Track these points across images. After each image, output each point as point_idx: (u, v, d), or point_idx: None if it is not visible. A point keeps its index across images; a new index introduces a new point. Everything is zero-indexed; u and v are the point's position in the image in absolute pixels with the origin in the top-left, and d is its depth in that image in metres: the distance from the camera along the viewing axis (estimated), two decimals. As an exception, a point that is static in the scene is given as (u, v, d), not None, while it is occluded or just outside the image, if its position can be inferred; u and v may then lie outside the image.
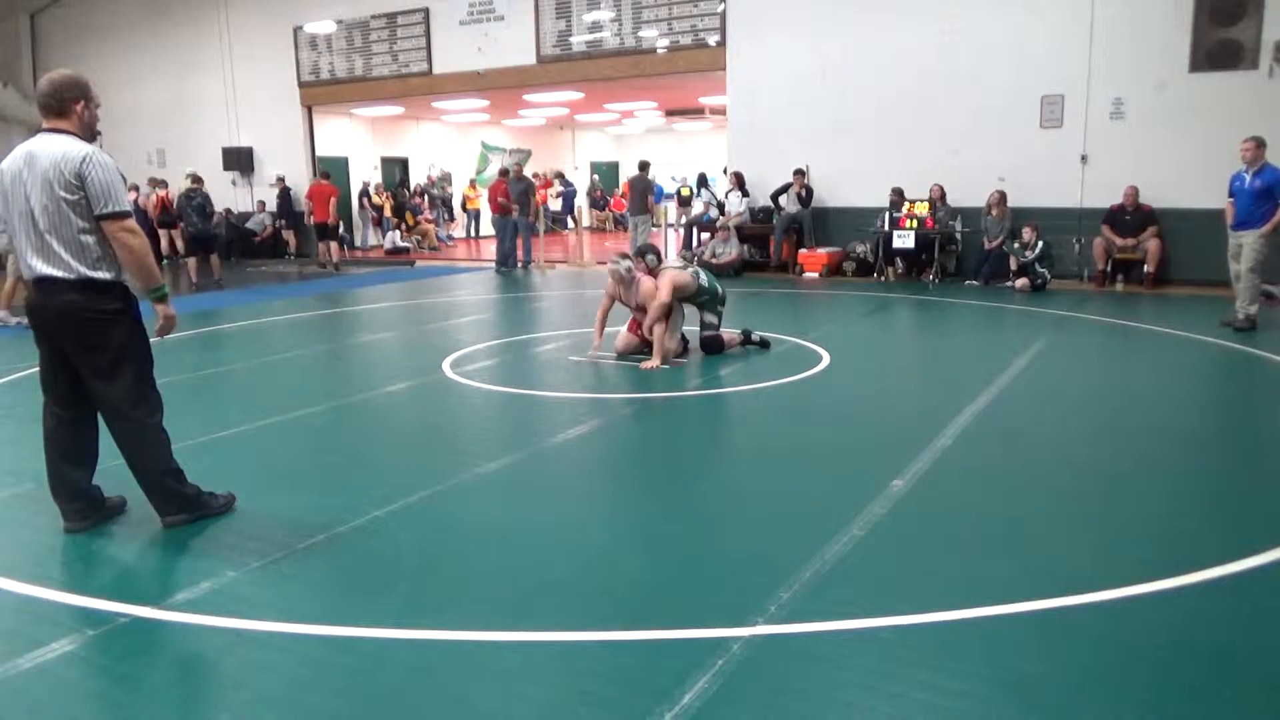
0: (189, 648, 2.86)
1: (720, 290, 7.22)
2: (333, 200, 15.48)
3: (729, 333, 7.32)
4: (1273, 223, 7.85)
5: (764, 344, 7.39)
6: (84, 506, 3.78)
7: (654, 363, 6.72)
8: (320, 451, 5.02)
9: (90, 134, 3.58)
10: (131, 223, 3.50)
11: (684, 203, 20.00)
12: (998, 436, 5.00)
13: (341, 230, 18.27)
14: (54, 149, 3.42)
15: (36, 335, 3.66)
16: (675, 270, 7.03)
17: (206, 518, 3.83)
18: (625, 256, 7.14)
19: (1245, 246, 8.03)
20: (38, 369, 3.78)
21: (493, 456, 4.79)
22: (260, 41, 17.68)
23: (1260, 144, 7.94)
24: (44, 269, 3.45)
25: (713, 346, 7.14)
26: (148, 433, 3.69)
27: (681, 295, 6.95)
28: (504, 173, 15.63)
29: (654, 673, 2.59)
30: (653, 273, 7.01)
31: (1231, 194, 8.15)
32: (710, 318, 7.13)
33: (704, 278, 7.17)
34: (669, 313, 6.82)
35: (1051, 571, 3.25)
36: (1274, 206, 7.87)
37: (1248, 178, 7.99)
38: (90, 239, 3.45)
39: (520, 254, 15.18)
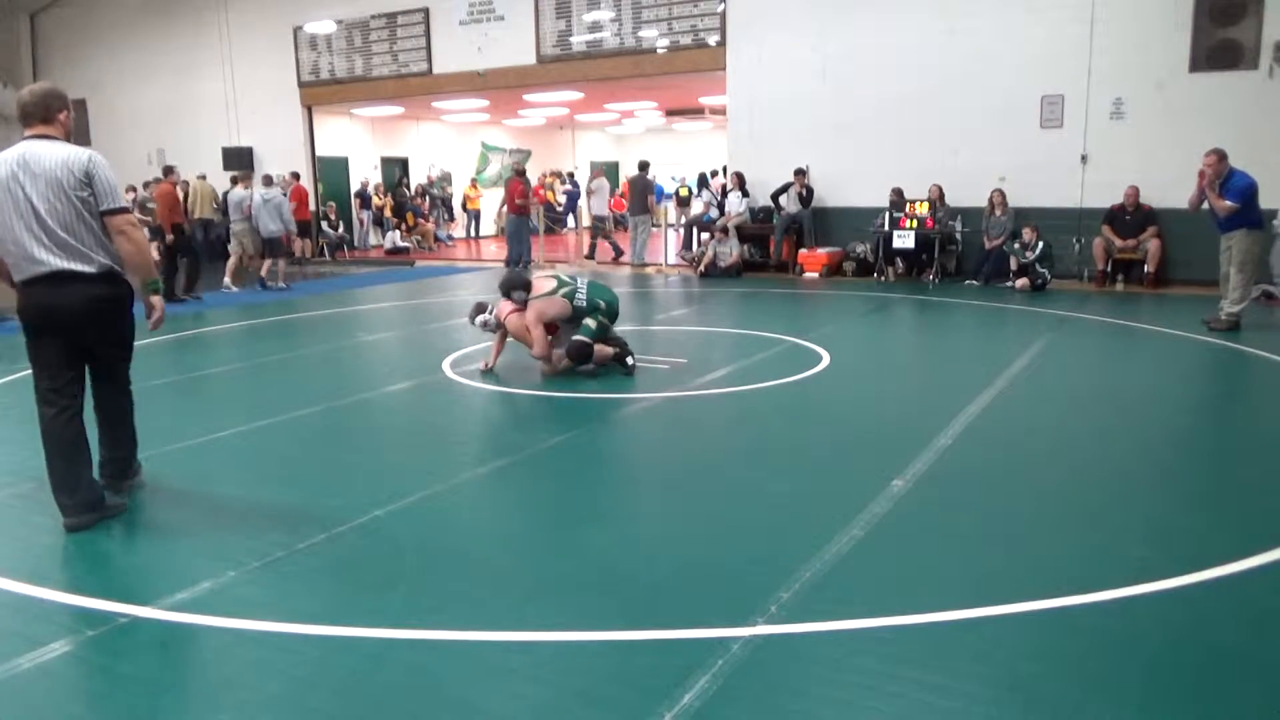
0: (189, 648, 2.86)
1: (602, 303, 6.55)
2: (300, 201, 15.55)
3: (604, 347, 6.60)
4: (1226, 206, 7.89)
5: (628, 367, 6.59)
6: (86, 501, 3.79)
7: (547, 368, 6.52)
8: (320, 451, 5.02)
9: (70, 139, 3.77)
10: (133, 217, 3.79)
11: (683, 203, 20.02)
12: (998, 436, 5.00)
13: (338, 228, 18.35)
14: (56, 152, 3.60)
15: (41, 331, 3.69)
16: (544, 303, 6.47)
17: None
18: (480, 310, 6.74)
19: (1234, 246, 8.05)
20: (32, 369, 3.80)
21: (493, 456, 4.80)
22: (260, 41, 17.67)
23: (1221, 157, 7.97)
24: (62, 264, 3.59)
25: (576, 353, 6.44)
26: (132, 402, 4.05)
27: (558, 321, 6.54)
28: (519, 172, 15.61)
29: (654, 673, 2.59)
30: (525, 307, 6.52)
31: (1201, 193, 8.15)
32: (590, 323, 6.45)
33: (581, 296, 6.50)
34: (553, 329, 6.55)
35: (1051, 571, 3.25)
36: (1252, 210, 7.92)
37: (1211, 192, 8.00)
38: (101, 235, 3.66)
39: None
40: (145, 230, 10.27)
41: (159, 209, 11.80)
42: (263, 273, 12.62)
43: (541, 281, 6.71)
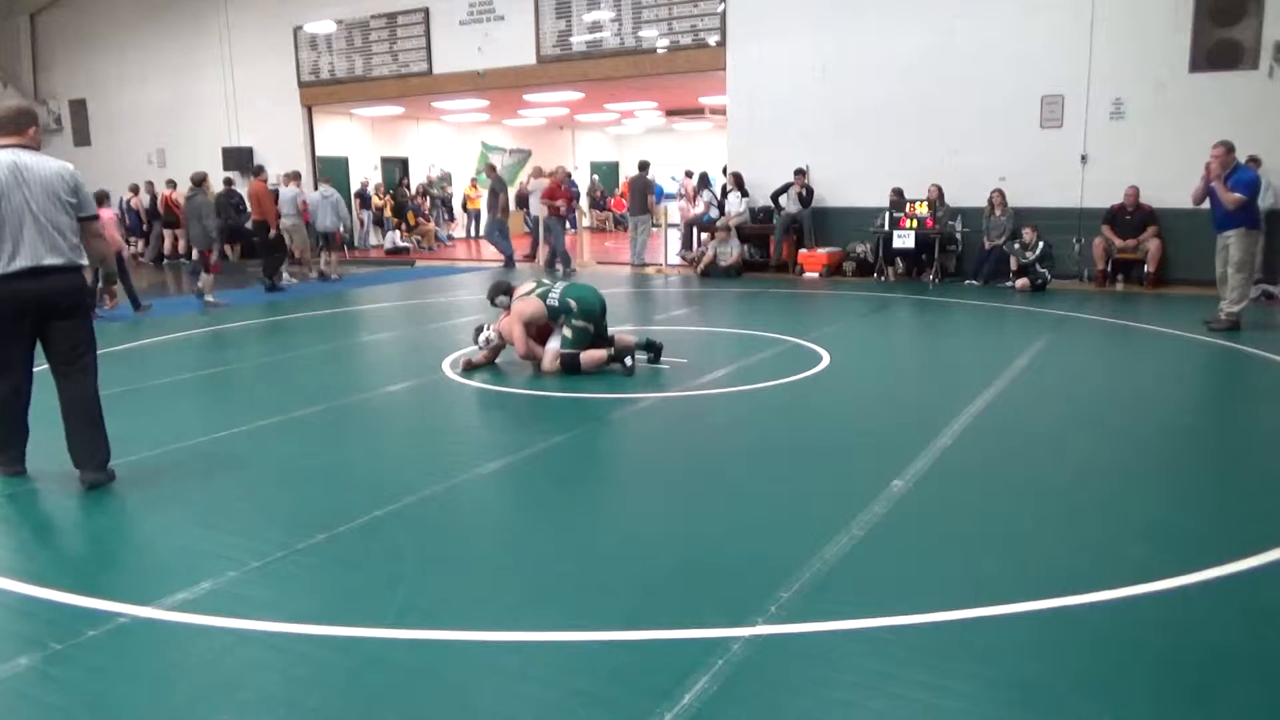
0: (189, 648, 2.85)
1: (573, 302, 6.51)
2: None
3: (594, 352, 6.57)
4: (1233, 198, 7.85)
5: (622, 360, 6.53)
6: (20, 455, 4.39)
7: (548, 364, 6.58)
8: (320, 451, 5.02)
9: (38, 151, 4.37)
10: (100, 224, 4.50)
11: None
12: (998, 437, 5.00)
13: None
14: (47, 164, 4.18)
15: (18, 316, 4.11)
16: (521, 303, 6.64)
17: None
18: (479, 330, 6.90)
19: (1231, 246, 8.05)
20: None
21: (492, 456, 4.79)
22: (260, 41, 17.68)
23: (1229, 149, 7.95)
24: (50, 260, 4.11)
25: (565, 366, 6.49)
26: (97, 384, 4.38)
27: (535, 323, 6.62)
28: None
29: (654, 673, 2.59)
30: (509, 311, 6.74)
31: (1209, 189, 8.12)
32: (566, 333, 6.49)
33: (554, 296, 6.55)
34: (542, 334, 6.66)
35: (1051, 571, 3.25)
36: (1250, 209, 7.91)
37: (1218, 184, 7.99)
38: (73, 235, 4.22)
39: (545, 253, 14.86)
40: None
41: (252, 206, 12.93)
42: (323, 266, 14.15)
43: (523, 285, 6.90)
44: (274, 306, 11.07)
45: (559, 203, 14.55)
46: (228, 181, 17.20)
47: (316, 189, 15.14)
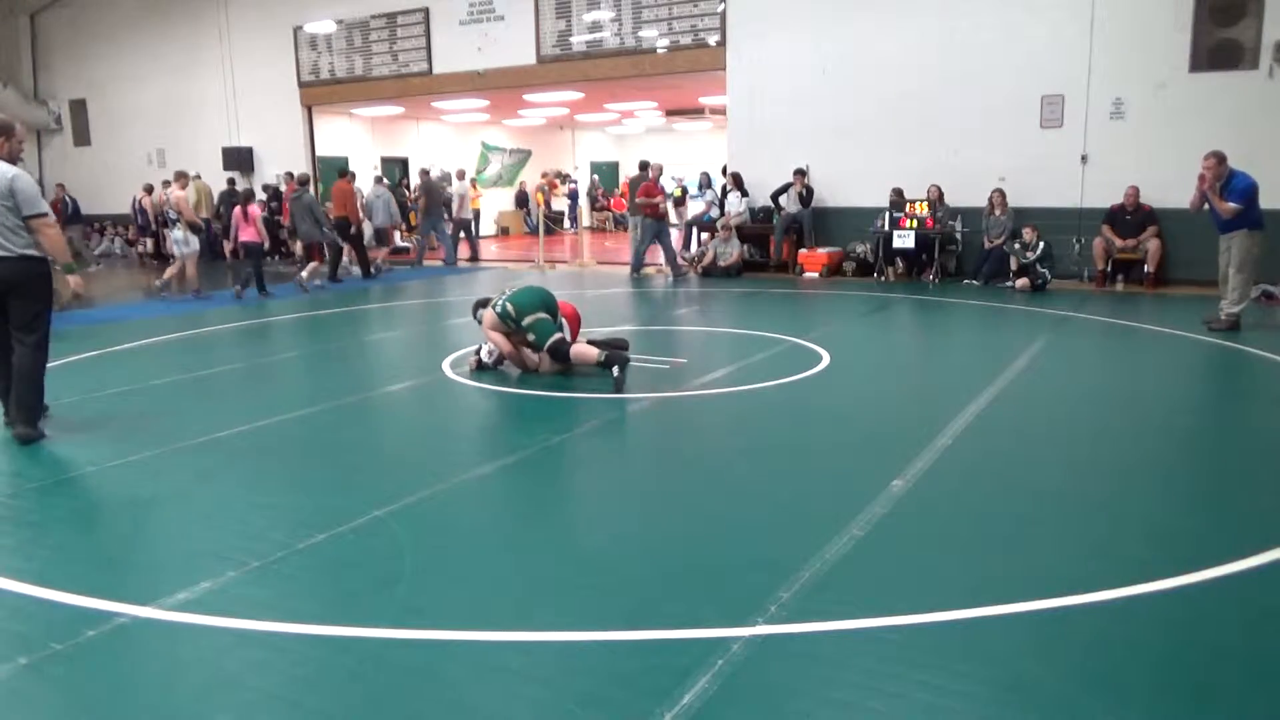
0: (189, 648, 2.85)
1: (514, 309, 6.42)
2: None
3: (586, 348, 6.39)
4: (1229, 208, 7.87)
5: (611, 368, 6.13)
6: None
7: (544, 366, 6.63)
8: (320, 451, 5.02)
9: (14, 161, 5.04)
10: (50, 219, 5.06)
11: (678, 203, 19.95)
12: (998, 436, 5.00)
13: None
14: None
15: None
16: (485, 314, 6.69)
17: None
18: (478, 354, 6.84)
19: (1233, 247, 8.05)
20: None
21: (492, 457, 4.79)
22: (260, 41, 17.67)
23: (1220, 159, 7.95)
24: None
25: (555, 353, 6.39)
26: (45, 355, 5.11)
27: (496, 329, 6.60)
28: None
29: (654, 673, 2.59)
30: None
31: (1202, 195, 8.12)
32: (530, 337, 6.46)
33: (499, 303, 6.52)
34: (519, 340, 6.63)
35: (1051, 571, 3.25)
36: (1252, 210, 7.91)
37: (1213, 194, 7.98)
38: (23, 230, 4.89)
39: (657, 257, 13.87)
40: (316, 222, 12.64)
41: (334, 205, 13.79)
42: (379, 260, 15.01)
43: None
44: (276, 307, 11.06)
45: (657, 200, 13.50)
46: (230, 181, 17.30)
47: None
